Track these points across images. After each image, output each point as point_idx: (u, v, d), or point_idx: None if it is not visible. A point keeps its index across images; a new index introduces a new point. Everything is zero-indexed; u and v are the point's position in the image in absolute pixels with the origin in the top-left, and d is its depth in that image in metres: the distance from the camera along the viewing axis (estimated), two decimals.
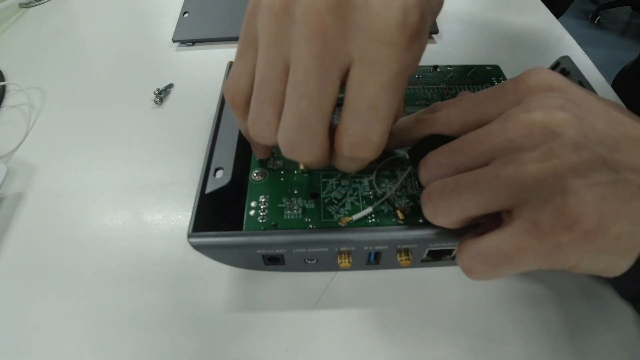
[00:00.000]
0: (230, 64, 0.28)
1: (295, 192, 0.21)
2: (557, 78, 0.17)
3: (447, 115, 0.19)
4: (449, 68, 0.29)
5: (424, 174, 0.18)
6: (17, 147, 0.30)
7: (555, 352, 0.19)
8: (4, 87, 0.35)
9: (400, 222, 0.20)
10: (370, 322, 0.21)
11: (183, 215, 0.26)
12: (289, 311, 0.21)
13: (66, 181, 0.28)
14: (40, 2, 0.45)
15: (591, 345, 0.19)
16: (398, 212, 0.20)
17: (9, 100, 0.34)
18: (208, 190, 0.21)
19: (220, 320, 0.21)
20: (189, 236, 0.19)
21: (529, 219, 0.14)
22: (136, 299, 0.22)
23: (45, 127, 0.32)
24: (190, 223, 0.19)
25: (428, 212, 0.17)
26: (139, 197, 0.27)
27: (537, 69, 0.17)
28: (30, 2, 0.45)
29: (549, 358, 0.19)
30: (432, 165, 0.18)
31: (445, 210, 0.17)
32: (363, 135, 0.16)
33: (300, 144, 0.16)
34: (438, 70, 0.29)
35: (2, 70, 0.37)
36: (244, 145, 0.23)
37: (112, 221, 0.26)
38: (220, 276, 0.19)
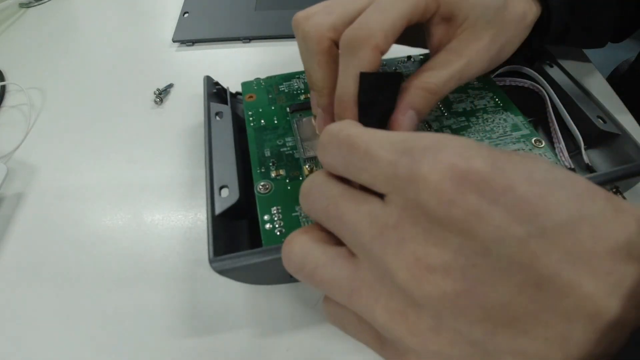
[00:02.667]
0: (207, 77, 0.28)
1: None
2: (466, 191, 0.10)
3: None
4: (421, 57, 0.29)
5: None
6: (17, 147, 0.30)
7: None
8: (4, 87, 0.35)
9: None
10: None
11: (183, 215, 0.26)
12: (289, 311, 0.21)
13: (66, 181, 0.28)
14: (40, 2, 0.45)
15: None
16: None
17: (9, 100, 0.34)
18: (218, 211, 0.20)
19: (220, 320, 0.21)
20: (212, 261, 0.18)
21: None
22: (136, 299, 0.22)
23: (45, 127, 0.32)
24: (209, 249, 0.18)
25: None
26: (139, 197, 0.27)
27: (443, 153, 0.11)
28: (30, 2, 0.45)
29: None
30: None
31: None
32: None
33: None
34: (412, 60, 0.29)
35: (2, 70, 0.37)
36: (243, 159, 0.23)
37: (112, 221, 0.26)
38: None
